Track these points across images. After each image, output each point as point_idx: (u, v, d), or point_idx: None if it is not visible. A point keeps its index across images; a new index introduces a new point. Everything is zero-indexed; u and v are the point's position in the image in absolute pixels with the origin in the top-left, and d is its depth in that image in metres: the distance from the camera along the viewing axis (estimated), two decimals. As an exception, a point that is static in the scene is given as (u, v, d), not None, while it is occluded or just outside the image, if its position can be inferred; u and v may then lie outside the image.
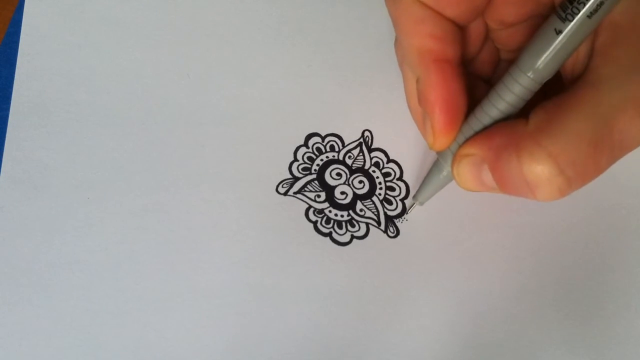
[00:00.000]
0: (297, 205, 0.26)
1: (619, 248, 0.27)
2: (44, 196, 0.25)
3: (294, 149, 0.27)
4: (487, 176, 0.21)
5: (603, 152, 0.19)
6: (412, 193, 0.27)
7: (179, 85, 0.28)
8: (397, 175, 0.27)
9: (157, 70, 0.28)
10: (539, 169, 0.19)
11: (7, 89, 0.27)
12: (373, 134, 0.28)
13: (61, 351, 0.24)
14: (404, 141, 0.28)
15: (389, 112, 0.28)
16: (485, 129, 0.21)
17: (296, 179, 0.27)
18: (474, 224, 0.27)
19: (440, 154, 0.24)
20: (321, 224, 0.26)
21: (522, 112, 0.21)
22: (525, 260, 0.26)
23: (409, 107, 0.24)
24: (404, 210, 0.27)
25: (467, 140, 0.22)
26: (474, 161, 0.21)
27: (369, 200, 0.27)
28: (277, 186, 0.27)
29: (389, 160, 0.27)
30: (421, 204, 0.26)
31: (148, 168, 0.26)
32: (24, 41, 0.27)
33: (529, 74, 0.20)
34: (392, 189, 0.27)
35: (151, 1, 0.29)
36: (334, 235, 0.26)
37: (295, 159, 0.27)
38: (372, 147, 0.28)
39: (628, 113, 0.18)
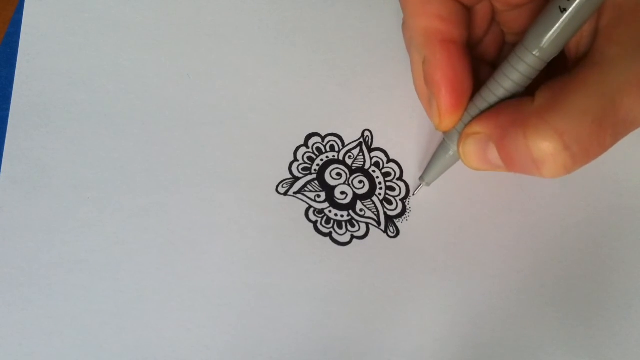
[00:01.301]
0: (297, 205, 0.26)
1: (619, 248, 0.27)
2: (44, 196, 0.26)
3: (294, 149, 0.27)
4: (493, 154, 0.21)
5: (607, 130, 0.19)
6: (412, 191, 0.27)
7: (179, 85, 0.28)
8: (397, 175, 0.27)
9: (157, 70, 0.28)
10: (545, 145, 0.19)
11: (7, 89, 0.27)
12: (373, 134, 0.28)
13: (61, 351, 0.24)
14: (404, 141, 0.28)
15: (389, 112, 0.28)
16: (491, 108, 0.21)
17: (296, 179, 0.27)
18: (474, 224, 0.27)
19: (446, 134, 0.24)
20: (321, 224, 0.26)
21: (528, 92, 0.21)
22: (525, 260, 0.26)
23: (416, 88, 0.24)
24: (404, 210, 0.27)
25: (473, 119, 0.22)
26: (480, 139, 0.21)
27: (369, 200, 0.27)
28: (277, 186, 0.27)
29: (389, 160, 0.27)
30: (428, 184, 0.26)
31: (148, 168, 0.26)
32: (24, 41, 0.27)
33: (534, 52, 0.20)
34: (392, 189, 0.27)
35: (151, 1, 0.29)
36: (334, 235, 0.26)
37: (295, 159, 0.27)
38: (372, 147, 0.28)
39: (632, 93, 0.19)
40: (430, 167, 0.25)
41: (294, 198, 0.27)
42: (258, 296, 0.25)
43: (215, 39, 0.28)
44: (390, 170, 0.27)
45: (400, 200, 0.27)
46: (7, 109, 0.27)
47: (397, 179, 0.27)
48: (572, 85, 0.19)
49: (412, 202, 0.27)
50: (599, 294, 0.26)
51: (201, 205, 0.26)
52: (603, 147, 0.20)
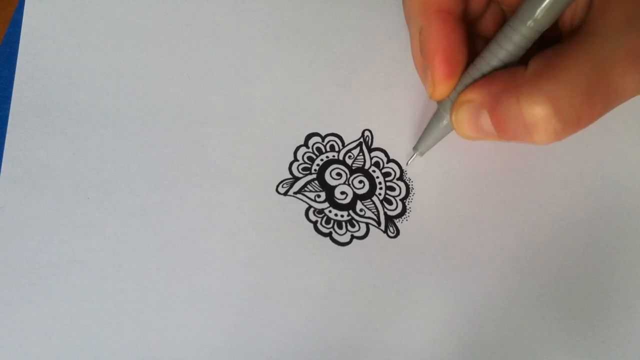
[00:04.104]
0: (297, 205, 0.26)
1: (619, 248, 0.27)
2: (44, 196, 0.26)
3: (294, 149, 0.27)
4: (486, 122, 0.22)
5: (598, 98, 0.20)
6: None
7: (179, 85, 0.28)
8: (397, 175, 0.27)
9: (157, 70, 0.28)
10: (537, 110, 0.19)
11: (7, 89, 0.27)
12: (373, 133, 0.28)
13: (61, 351, 0.24)
14: (404, 141, 0.28)
15: (389, 112, 0.28)
16: (484, 77, 0.22)
17: (296, 179, 0.27)
18: (473, 224, 0.27)
19: (440, 103, 0.24)
20: (321, 224, 0.26)
21: (521, 63, 0.21)
22: (525, 260, 0.26)
23: (413, 59, 0.24)
24: (404, 210, 0.27)
25: (466, 87, 0.22)
26: (473, 107, 0.22)
27: (369, 200, 0.27)
28: (277, 186, 0.27)
29: (389, 160, 0.27)
30: (421, 154, 0.26)
31: (148, 168, 0.26)
32: (24, 41, 0.27)
33: (528, 23, 0.20)
34: (392, 189, 0.27)
35: (151, 1, 0.29)
36: (334, 235, 0.26)
37: (295, 159, 0.27)
38: (372, 147, 0.28)
39: (622, 63, 0.19)
40: (423, 137, 0.25)
41: (294, 198, 0.27)
42: (258, 296, 0.25)
43: (215, 39, 0.28)
44: (390, 170, 0.27)
45: (400, 200, 0.27)
46: (7, 109, 0.27)
47: (397, 179, 0.27)
48: (565, 54, 0.20)
49: (412, 202, 0.27)
50: (599, 294, 0.26)
51: (201, 205, 0.26)
52: (593, 115, 0.20)
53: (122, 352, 0.24)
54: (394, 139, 0.28)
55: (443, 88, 0.23)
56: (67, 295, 0.24)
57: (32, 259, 0.25)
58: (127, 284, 0.25)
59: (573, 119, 0.20)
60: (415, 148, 0.26)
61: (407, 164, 0.27)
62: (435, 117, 0.25)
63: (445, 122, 0.24)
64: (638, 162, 0.28)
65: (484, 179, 0.27)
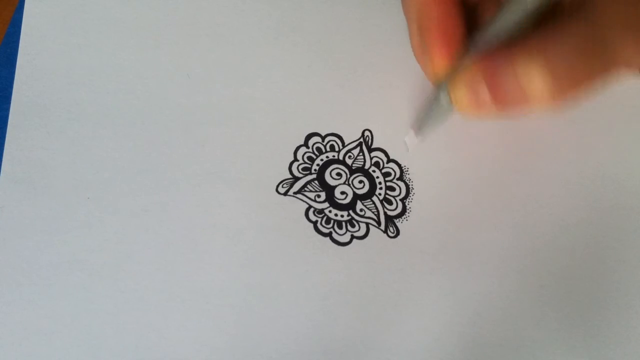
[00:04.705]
0: (297, 205, 0.26)
1: (619, 248, 0.27)
2: (44, 196, 0.26)
3: (294, 149, 0.27)
4: (484, 94, 0.22)
5: (595, 63, 0.20)
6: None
7: (179, 85, 0.28)
8: (397, 175, 0.27)
9: (157, 70, 0.28)
10: (533, 72, 0.20)
11: (7, 89, 0.27)
12: (373, 133, 0.28)
13: (61, 351, 0.24)
14: (404, 141, 0.28)
15: (389, 112, 0.28)
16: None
17: (296, 178, 0.27)
18: (473, 224, 0.27)
19: (438, 85, 0.24)
20: (321, 224, 0.26)
21: None
22: (525, 260, 0.26)
23: (412, 47, 0.24)
24: (404, 210, 0.27)
25: (464, 67, 0.22)
26: (471, 80, 0.22)
27: (369, 200, 0.27)
28: (277, 186, 0.27)
29: (389, 160, 0.27)
30: (419, 134, 0.26)
31: (148, 168, 0.26)
32: (24, 41, 0.27)
33: None
34: (392, 189, 0.27)
35: (151, 1, 0.29)
36: (334, 235, 0.26)
37: (295, 159, 0.27)
38: (372, 147, 0.28)
39: (621, 31, 0.19)
40: (423, 120, 0.25)
41: (294, 198, 0.27)
42: (258, 296, 0.25)
43: (215, 39, 0.28)
44: (390, 170, 0.27)
45: (400, 200, 0.27)
46: (7, 109, 0.27)
47: (397, 179, 0.27)
48: (563, 23, 0.20)
49: (412, 202, 0.27)
50: (599, 294, 0.26)
51: (201, 205, 0.26)
52: (591, 79, 0.20)
53: (122, 352, 0.24)
54: (394, 139, 0.28)
55: (442, 65, 0.23)
56: (67, 295, 0.24)
57: (32, 259, 0.25)
58: (127, 284, 0.25)
59: (570, 82, 0.20)
60: (415, 132, 0.26)
61: (408, 150, 0.27)
62: (434, 98, 0.24)
63: (444, 103, 0.23)
64: (638, 162, 0.28)
65: (484, 179, 0.27)
